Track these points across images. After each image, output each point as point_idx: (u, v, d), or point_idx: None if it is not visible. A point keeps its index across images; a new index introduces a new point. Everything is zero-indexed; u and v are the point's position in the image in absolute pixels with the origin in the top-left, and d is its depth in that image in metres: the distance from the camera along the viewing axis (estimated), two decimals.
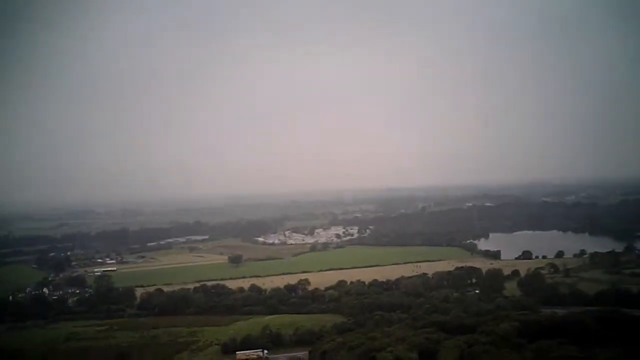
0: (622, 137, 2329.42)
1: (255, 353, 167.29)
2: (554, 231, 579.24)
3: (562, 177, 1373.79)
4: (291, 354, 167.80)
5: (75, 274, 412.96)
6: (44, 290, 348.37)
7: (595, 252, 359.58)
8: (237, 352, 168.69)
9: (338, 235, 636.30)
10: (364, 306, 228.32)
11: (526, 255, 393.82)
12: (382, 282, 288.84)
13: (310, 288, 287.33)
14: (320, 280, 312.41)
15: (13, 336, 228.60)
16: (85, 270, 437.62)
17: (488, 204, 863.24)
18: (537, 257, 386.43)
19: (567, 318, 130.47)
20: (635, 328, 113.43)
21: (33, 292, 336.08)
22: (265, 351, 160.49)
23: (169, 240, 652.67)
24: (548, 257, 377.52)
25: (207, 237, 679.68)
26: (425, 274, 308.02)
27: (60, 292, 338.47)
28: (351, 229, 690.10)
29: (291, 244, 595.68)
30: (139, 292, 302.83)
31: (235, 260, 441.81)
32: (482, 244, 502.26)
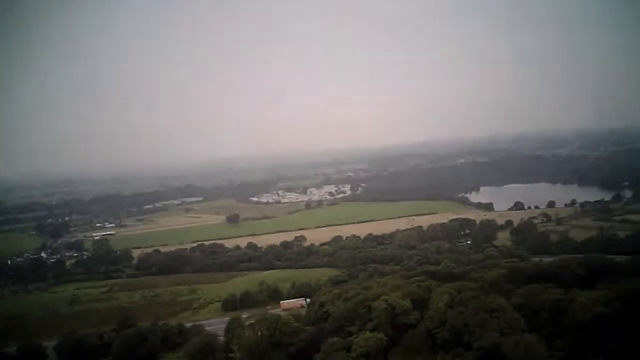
0: (617, 89, 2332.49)
1: (298, 302, 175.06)
2: (544, 183, 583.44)
3: (555, 129, 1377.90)
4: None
5: (73, 239, 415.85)
6: (42, 254, 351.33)
7: (586, 202, 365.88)
8: (281, 302, 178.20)
9: (331, 193, 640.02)
10: (357, 259, 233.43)
11: (518, 206, 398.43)
12: (377, 236, 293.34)
13: (305, 244, 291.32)
14: (316, 236, 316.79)
15: (18, 301, 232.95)
16: (84, 235, 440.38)
17: (480, 159, 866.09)
18: (529, 207, 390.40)
19: (553, 264, 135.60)
20: (615, 272, 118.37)
21: (31, 257, 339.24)
22: (307, 299, 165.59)
23: (165, 202, 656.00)
24: (540, 207, 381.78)
25: (201, 198, 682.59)
26: (420, 226, 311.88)
27: (58, 256, 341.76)
28: (343, 187, 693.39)
29: (285, 203, 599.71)
30: (136, 253, 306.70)
31: (233, 219, 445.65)
32: (474, 197, 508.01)
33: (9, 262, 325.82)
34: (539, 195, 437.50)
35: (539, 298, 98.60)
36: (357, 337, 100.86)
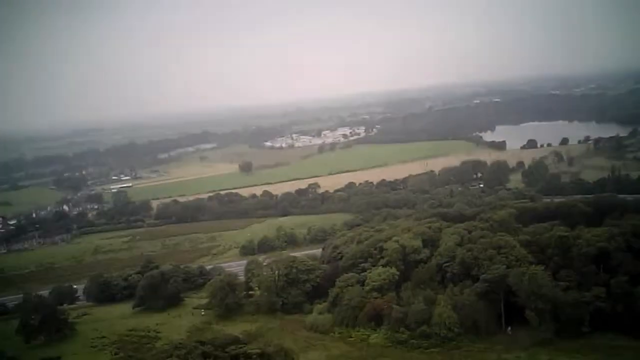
0: (635, 26, 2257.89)
1: None
2: (560, 121, 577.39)
3: (571, 69, 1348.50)
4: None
5: (92, 192, 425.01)
6: (64, 207, 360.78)
7: (599, 138, 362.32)
8: None
9: (345, 136, 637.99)
10: (371, 204, 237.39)
11: (531, 144, 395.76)
12: (390, 181, 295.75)
13: (320, 191, 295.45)
14: (330, 183, 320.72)
15: (45, 252, 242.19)
16: (102, 188, 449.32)
17: (496, 100, 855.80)
18: (542, 145, 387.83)
19: (562, 204, 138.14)
20: (623, 210, 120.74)
21: (55, 210, 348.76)
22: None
23: (179, 150, 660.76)
24: (553, 145, 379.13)
25: (215, 145, 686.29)
26: (432, 171, 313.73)
27: (80, 208, 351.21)
28: (358, 129, 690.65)
29: (299, 147, 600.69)
30: (155, 204, 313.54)
31: (246, 168, 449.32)
32: (489, 136, 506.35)
33: (34, 215, 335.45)
34: (555, 132, 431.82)
35: (545, 235, 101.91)
36: (370, 272, 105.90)
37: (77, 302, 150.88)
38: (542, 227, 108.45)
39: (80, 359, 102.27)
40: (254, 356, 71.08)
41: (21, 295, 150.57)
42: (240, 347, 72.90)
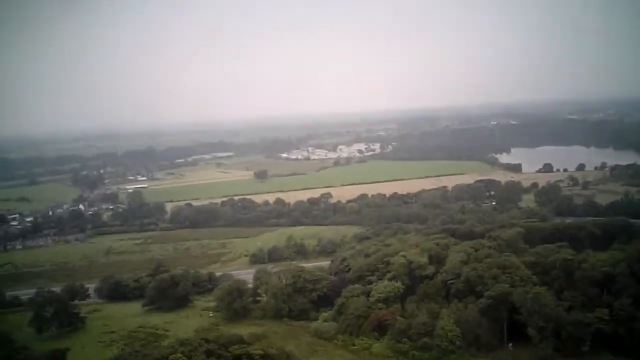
0: None
1: None
2: (577, 146, 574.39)
3: (590, 94, 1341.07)
4: None
5: (108, 191, 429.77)
6: (80, 206, 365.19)
7: (616, 165, 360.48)
8: None
9: (360, 151, 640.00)
10: (382, 218, 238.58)
11: (547, 168, 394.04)
12: (402, 195, 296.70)
13: (332, 201, 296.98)
14: (342, 194, 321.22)
15: (59, 251, 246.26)
16: (118, 187, 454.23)
17: (513, 122, 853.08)
18: (557, 170, 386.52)
19: (571, 225, 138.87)
20: (633, 235, 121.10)
21: (71, 208, 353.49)
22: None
23: (195, 157, 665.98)
24: (569, 170, 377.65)
25: (232, 154, 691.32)
26: (445, 187, 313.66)
27: (95, 208, 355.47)
28: (373, 145, 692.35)
29: (314, 160, 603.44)
30: (168, 207, 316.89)
31: (261, 175, 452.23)
32: (504, 158, 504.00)
33: (50, 213, 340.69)
34: (572, 157, 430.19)
35: (550, 258, 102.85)
36: (376, 285, 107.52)
37: (88, 300, 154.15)
38: (548, 249, 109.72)
39: (88, 352, 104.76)
40: (257, 357, 73.00)
41: (34, 291, 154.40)
42: (244, 347, 74.84)
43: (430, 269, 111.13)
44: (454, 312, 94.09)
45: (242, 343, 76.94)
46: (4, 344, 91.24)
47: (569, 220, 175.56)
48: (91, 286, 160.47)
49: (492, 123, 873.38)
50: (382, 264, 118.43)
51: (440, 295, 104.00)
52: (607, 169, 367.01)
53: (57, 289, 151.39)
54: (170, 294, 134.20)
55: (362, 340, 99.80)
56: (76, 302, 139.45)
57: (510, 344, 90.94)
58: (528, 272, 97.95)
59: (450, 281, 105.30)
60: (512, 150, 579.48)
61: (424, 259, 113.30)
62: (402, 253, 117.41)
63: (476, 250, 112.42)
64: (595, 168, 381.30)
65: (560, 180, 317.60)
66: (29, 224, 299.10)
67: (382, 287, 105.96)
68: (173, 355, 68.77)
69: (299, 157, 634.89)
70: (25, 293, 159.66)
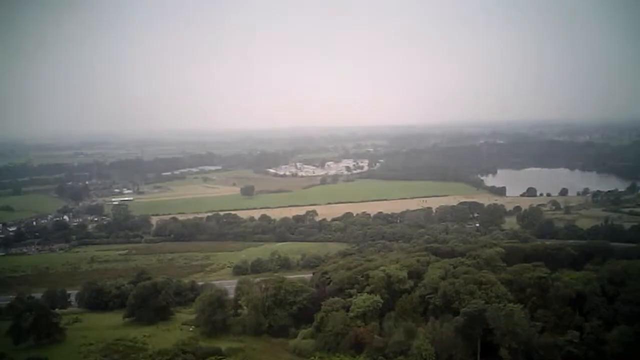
0: None
1: None
2: (562, 169, 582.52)
3: (576, 117, 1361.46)
4: None
5: (94, 203, 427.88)
6: (64, 217, 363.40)
7: (598, 191, 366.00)
8: None
9: (348, 168, 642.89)
10: (367, 236, 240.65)
11: (531, 192, 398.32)
12: (387, 214, 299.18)
13: (317, 219, 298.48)
14: (328, 212, 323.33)
15: (42, 258, 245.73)
16: (104, 200, 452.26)
17: (500, 142, 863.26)
18: (541, 194, 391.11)
19: (550, 247, 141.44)
20: (608, 256, 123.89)
21: (55, 219, 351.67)
22: None
23: (183, 170, 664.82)
24: (552, 194, 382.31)
25: (219, 167, 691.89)
26: (429, 208, 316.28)
27: (80, 219, 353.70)
28: (361, 162, 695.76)
29: (302, 176, 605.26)
30: (154, 220, 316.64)
31: (247, 191, 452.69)
32: (490, 180, 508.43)
33: (34, 223, 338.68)
34: (556, 180, 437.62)
35: (526, 275, 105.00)
36: (355, 298, 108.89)
37: (69, 308, 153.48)
38: (524, 267, 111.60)
39: None
40: None
41: (14, 297, 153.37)
42: (221, 358, 75.75)
43: (409, 283, 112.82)
44: (430, 331, 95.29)
45: (219, 354, 77.97)
46: None
47: (548, 242, 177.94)
48: (73, 292, 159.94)
49: (480, 142, 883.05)
50: (362, 277, 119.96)
51: (418, 311, 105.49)
52: (589, 194, 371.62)
53: (38, 294, 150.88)
54: (152, 303, 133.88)
55: (340, 357, 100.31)
56: (57, 310, 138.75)
57: None
58: (504, 288, 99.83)
59: (429, 296, 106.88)
60: (498, 171, 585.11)
61: (404, 273, 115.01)
62: (382, 267, 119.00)
63: (455, 267, 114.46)
64: (578, 193, 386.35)
65: (543, 205, 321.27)
66: (12, 233, 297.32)
67: (361, 300, 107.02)
68: None
69: (287, 173, 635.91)
70: (5, 299, 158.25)
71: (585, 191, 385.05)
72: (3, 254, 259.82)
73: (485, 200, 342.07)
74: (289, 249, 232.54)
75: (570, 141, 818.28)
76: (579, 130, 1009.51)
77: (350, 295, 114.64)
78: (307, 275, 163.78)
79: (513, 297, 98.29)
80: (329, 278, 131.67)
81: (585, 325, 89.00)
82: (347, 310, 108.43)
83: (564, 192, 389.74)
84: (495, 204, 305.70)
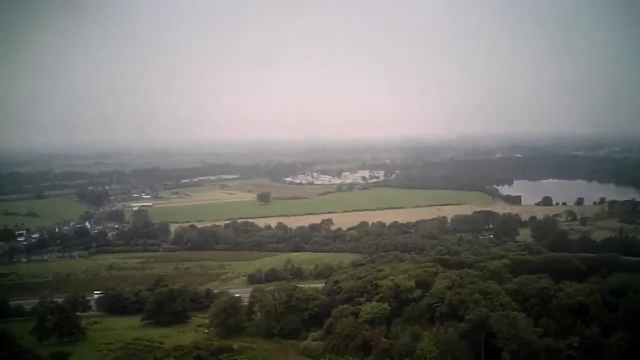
0: None
1: None
2: (579, 180, 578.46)
3: (595, 131, 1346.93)
4: None
5: (114, 209, 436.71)
6: (86, 224, 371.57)
7: (614, 200, 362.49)
8: None
9: (364, 178, 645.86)
10: (380, 246, 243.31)
11: (546, 201, 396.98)
12: (402, 224, 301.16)
13: (333, 228, 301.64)
14: (344, 220, 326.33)
15: (62, 264, 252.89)
16: (124, 205, 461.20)
17: (518, 155, 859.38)
18: (557, 203, 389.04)
19: (557, 259, 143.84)
20: (614, 270, 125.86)
21: (77, 225, 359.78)
22: None
23: (201, 178, 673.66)
24: (568, 204, 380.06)
25: (237, 176, 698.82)
26: (444, 217, 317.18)
27: (101, 227, 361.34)
28: (377, 173, 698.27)
29: (318, 185, 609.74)
30: (172, 227, 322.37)
31: (264, 197, 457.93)
32: (505, 190, 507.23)
33: (56, 229, 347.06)
34: (573, 191, 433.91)
35: (530, 286, 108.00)
36: (364, 305, 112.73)
37: (89, 312, 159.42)
38: (529, 279, 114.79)
39: None
40: None
41: (37, 301, 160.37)
42: (232, 356, 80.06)
43: (417, 293, 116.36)
44: (435, 334, 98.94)
45: (230, 352, 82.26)
46: (9, 347, 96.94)
47: (558, 254, 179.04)
48: (92, 298, 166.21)
49: (497, 155, 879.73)
50: (372, 286, 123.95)
51: (424, 318, 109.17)
52: (605, 204, 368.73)
53: (59, 299, 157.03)
54: (169, 308, 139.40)
55: (348, 359, 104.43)
56: (77, 313, 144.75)
57: None
58: (508, 298, 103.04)
59: (435, 304, 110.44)
60: (515, 182, 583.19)
61: (411, 283, 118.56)
62: (390, 277, 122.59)
63: (461, 278, 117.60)
64: (594, 203, 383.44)
65: (559, 215, 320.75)
66: (34, 240, 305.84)
67: (370, 307, 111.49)
68: (166, 357, 74.15)
69: (303, 181, 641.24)
70: (29, 303, 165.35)
71: (602, 201, 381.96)
72: (25, 260, 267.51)
73: (500, 209, 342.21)
74: (303, 259, 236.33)
75: (588, 155, 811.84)
76: (598, 144, 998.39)
77: (360, 304, 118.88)
78: (319, 285, 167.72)
79: (517, 307, 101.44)
80: (340, 287, 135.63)
81: (586, 331, 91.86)
82: (356, 317, 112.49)
83: (579, 201, 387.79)
84: (509, 214, 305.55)
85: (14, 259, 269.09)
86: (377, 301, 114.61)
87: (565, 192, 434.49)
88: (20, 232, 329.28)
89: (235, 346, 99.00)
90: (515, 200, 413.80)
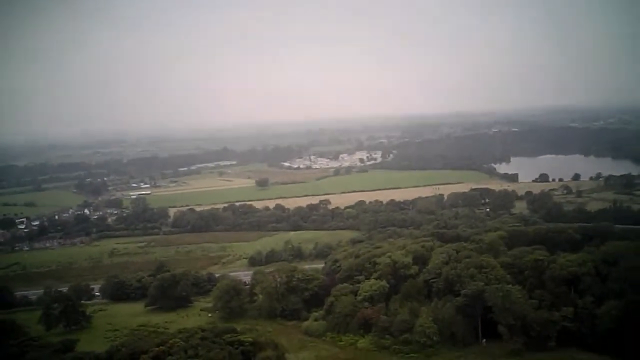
0: None
1: None
2: (577, 155, 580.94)
3: (591, 102, 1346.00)
4: None
5: (112, 197, 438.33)
6: (85, 211, 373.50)
7: (610, 175, 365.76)
8: None
9: (362, 160, 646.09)
10: (378, 223, 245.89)
11: (543, 178, 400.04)
12: (399, 202, 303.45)
13: (330, 207, 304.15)
14: (341, 201, 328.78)
15: (65, 252, 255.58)
16: (122, 194, 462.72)
17: (514, 129, 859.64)
18: (553, 180, 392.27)
19: (552, 230, 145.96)
20: (607, 238, 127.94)
21: (76, 213, 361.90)
22: None
23: (199, 165, 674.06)
24: (565, 179, 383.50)
25: (234, 162, 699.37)
26: (441, 194, 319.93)
27: (100, 213, 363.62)
28: (375, 154, 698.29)
29: (316, 169, 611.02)
30: (172, 212, 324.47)
31: (262, 183, 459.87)
32: (503, 168, 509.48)
33: (56, 217, 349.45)
34: (569, 167, 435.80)
35: (525, 259, 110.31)
36: (363, 283, 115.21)
37: (93, 300, 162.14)
38: (524, 251, 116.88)
39: (95, 347, 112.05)
40: (247, 344, 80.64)
41: (42, 290, 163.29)
42: (236, 336, 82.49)
43: (414, 269, 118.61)
44: (433, 310, 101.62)
45: (234, 332, 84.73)
46: (19, 334, 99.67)
47: (553, 225, 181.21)
48: (96, 286, 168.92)
49: (493, 130, 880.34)
50: (370, 264, 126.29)
51: (422, 294, 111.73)
52: (601, 178, 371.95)
53: (63, 288, 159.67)
54: (171, 293, 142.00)
55: (349, 337, 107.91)
56: (82, 301, 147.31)
57: (484, 340, 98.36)
58: (503, 271, 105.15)
59: (432, 280, 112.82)
60: (512, 159, 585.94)
61: (408, 259, 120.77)
62: (388, 254, 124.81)
63: (457, 252, 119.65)
64: (591, 178, 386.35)
65: (555, 189, 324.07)
66: (35, 227, 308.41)
67: (369, 285, 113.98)
68: (172, 340, 76.65)
69: (301, 165, 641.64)
70: (34, 293, 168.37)
71: (598, 176, 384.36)
72: (27, 249, 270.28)
73: (498, 186, 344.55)
74: (303, 238, 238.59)
75: (585, 127, 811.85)
76: (594, 116, 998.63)
77: (359, 282, 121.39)
78: (320, 265, 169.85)
79: (512, 280, 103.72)
80: (339, 266, 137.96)
81: (579, 302, 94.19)
82: (356, 295, 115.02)
83: (576, 177, 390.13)
84: (506, 190, 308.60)
85: (16, 247, 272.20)
86: (376, 279, 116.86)
87: (563, 167, 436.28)
88: (20, 220, 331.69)
89: (239, 328, 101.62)
90: (513, 177, 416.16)
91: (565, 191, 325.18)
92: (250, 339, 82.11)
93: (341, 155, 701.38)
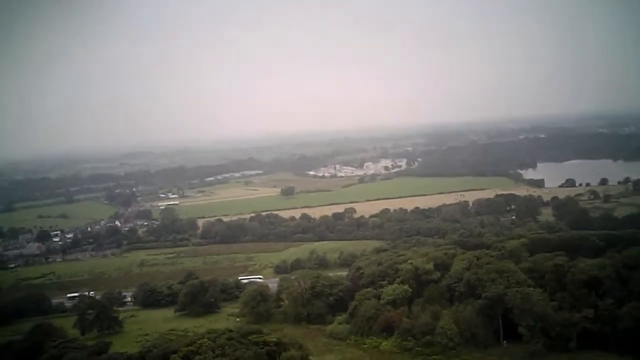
0: None
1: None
2: (605, 160, 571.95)
3: (620, 108, 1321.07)
4: None
5: (142, 208, 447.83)
6: (116, 222, 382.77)
7: (639, 179, 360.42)
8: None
9: (386, 168, 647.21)
10: (403, 231, 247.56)
11: (570, 182, 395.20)
12: (424, 209, 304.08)
13: (355, 216, 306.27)
14: (367, 209, 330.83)
15: (96, 263, 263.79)
16: (151, 205, 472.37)
17: (541, 136, 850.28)
18: (580, 184, 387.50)
19: (575, 236, 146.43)
20: (635, 244, 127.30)
21: (107, 225, 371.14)
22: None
23: (225, 175, 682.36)
24: (592, 184, 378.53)
25: (260, 171, 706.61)
26: (466, 201, 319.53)
27: (131, 225, 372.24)
28: (400, 162, 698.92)
29: (341, 177, 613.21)
30: (200, 222, 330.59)
31: (288, 192, 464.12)
32: (529, 174, 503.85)
33: (88, 229, 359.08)
34: (598, 171, 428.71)
35: (545, 264, 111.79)
36: (386, 288, 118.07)
37: (125, 307, 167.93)
38: (544, 257, 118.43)
39: (126, 349, 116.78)
40: (271, 343, 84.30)
41: (76, 298, 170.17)
42: (261, 337, 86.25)
43: (436, 275, 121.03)
44: (454, 312, 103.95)
45: (259, 333, 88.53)
46: (57, 337, 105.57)
47: (576, 232, 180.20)
48: (127, 294, 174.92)
49: (520, 137, 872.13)
50: (392, 270, 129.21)
51: (444, 298, 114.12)
52: (630, 182, 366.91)
53: (98, 295, 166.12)
54: (200, 299, 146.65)
55: (372, 339, 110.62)
56: (115, 308, 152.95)
57: (505, 342, 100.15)
58: (524, 276, 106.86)
59: (454, 284, 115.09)
60: (539, 165, 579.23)
61: (430, 265, 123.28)
62: (410, 261, 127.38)
63: (479, 259, 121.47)
64: (619, 182, 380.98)
65: (581, 194, 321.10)
66: (69, 240, 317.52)
67: (391, 290, 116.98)
68: (200, 340, 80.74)
69: (326, 174, 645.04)
70: (68, 300, 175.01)
71: (627, 180, 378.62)
72: (60, 260, 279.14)
73: (523, 192, 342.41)
74: (328, 247, 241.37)
75: (613, 132, 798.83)
76: (623, 122, 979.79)
77: (381, 287, 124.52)
78: (344, 273, 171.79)
79: (533, 283, 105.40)
80: (362, 273, 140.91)
81: (600, 304, 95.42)
82: (379, 299, 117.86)
83: (603, 181, 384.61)
84: (531, 195, 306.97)
85: (50, 259, 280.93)
86: (398, 284, 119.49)
87: (590, 172, 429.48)
88: (55, 232, 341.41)
89: (265, 330, 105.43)
90: (538, 183, 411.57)
91: (592, 196, 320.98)
92: (274, 339, 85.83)
93: (366, 164, 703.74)
